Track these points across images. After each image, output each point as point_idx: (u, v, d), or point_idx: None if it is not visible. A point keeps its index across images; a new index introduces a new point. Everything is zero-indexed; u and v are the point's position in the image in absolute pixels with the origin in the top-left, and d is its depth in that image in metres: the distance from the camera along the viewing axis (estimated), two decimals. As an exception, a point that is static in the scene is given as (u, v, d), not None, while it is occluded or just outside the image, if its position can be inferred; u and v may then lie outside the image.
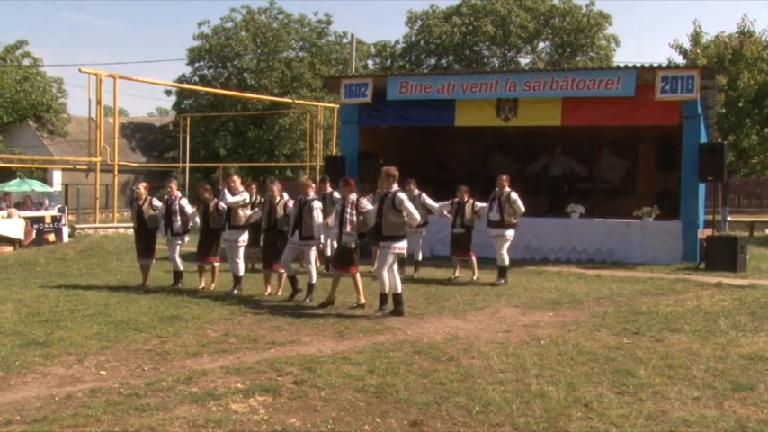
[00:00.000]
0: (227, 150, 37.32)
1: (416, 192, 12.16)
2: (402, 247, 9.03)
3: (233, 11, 40.90)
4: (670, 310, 8.99)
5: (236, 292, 10.29)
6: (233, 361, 6.42)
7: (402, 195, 8.85)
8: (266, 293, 10.21)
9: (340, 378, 5.83)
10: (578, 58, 39.87)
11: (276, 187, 10.18)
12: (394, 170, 9.04)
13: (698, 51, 24.25)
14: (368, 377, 5.86)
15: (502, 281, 11.46)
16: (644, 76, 13.89)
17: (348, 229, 8.97)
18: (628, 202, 16.91)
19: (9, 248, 17.20)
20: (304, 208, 9.59)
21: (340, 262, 9.27)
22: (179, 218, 10.86)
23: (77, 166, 27.55)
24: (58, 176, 31.93)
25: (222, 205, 10.51)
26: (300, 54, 41.44)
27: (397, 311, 8.67)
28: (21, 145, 34.31)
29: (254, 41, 39.98)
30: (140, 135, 41.69)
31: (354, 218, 8.98)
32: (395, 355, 6.59)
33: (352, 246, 9.06)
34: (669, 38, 70.34)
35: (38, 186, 23.44)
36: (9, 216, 18.00)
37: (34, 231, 18.33)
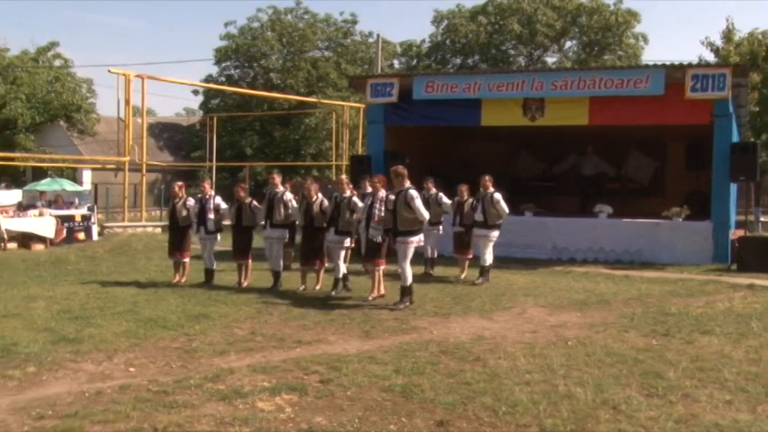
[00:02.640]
0: (253, 150, 37.53)
1: (433, 191, 12.23)
2: (420, 240, 9.44)
3: (259, 11, 41.14)
4: (700, 311, 8.86)
5: (279, 287, 10.57)
6: (260, 359, 6.45)
7: (413, 192, 9.21)
8: (300, 289, 10.47)
9: (366, 377, 5.83)
10: (606, 57, 39.44)
11: (313, 186, 10.56)
12: (402, 169, 9.48)
13: (730, 49, 23.88)
14: (394, 377, 5.86)
15: (480, 280, 11.36)
16: (674, 74, 13.70)
17: (375, 222, 9.31)
18: (657, 202, 16.70)
19: (41, 246, 17.46)
20: (341, 205, 10.03)
21: (369, 255, 9.64)
22: (213, 216, 10.96)
23: (106, 166, 27.96)
24: (87, 176, 32.36)
25: (256, 203, 10.98)
26: (326, 54, 41.54)
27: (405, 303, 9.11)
28: (52, 145, 34.84)
29: (281, 41, 40.16)
30: (168, 135, 42.09)
31: (382, 213, 9.27)
32: (421, 355, 6.57)
33: (379, 239, 9.39)
34: (700, 35, 69.36)
35: (68, 185, 23.77)
36: (41, 214, 18.27)
37: (65, 230, 18.58)
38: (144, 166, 23.12)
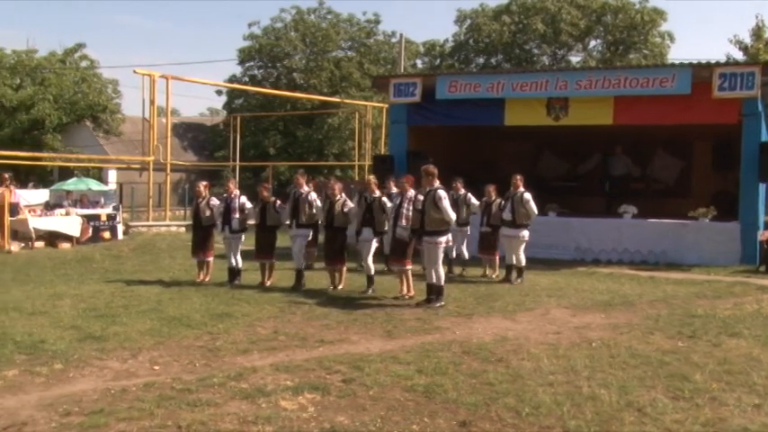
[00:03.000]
0: (276, 150, 37.67)
1: (462, 191, 12.24)
2: (448, 240, 9.40)
3: (283, 11, 41.25)
4: (728, 313, 8.74)
5: (302, 286, 10.65)
6: (282, 359, 6.47)
7: (442, 193, 9.16)
8: (330, 289, 10.54)
9: (388, 377, 5.82)
10: (631, 56, 39.00)
11: (337, 186, 10.69)
12: (433, 168, 9.40)
13: (760, 47, 23.50)
14: (416, 377, 5.85)
15: (519, 279, 11.37)
16: (701, 73, 13.54)
17: (403, 223, 9.39)
18: (682, 202, 16.49)
19: (67, 245, 17.67)
20: (373, 205, 10.20)
21: (396, 255, 9.82)
22: (238, 216, 11.02)
23: (131, 165, 28.17)
24: (113, 175, 32.67)
25: (280, 203, 11.17)
26: (349, 54, 41.58)
27: (429, 300, 9.21)
28: (78, 144, 35.24)
29: (304, 41, 40.28)
30: (192, 134, 42.38)
31: (410, 213, 9.35)
32: (443, 355, 6.56)
33: (407, 239, 9.47)
34: (728, 33, 68.32)
35: (94, 185, 23.99)
36: (67, 214, 18.50)
37: (90, 229, 18.79)
38: (168, 165, 23.29)
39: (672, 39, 40.21)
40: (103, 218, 19.32)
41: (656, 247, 14.17)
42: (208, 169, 34.62)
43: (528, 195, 11.44)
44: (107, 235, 19.17)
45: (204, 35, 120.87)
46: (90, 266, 14.11)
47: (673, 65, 15.02)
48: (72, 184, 23.26)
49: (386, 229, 10.39)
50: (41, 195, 21.27)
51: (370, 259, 10.32)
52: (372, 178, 10.85)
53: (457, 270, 12.45)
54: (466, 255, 12.54)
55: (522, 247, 11.50)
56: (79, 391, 5.50)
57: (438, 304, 9.09)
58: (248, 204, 11.25)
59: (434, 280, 9.21)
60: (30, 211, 18.11)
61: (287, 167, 35.56)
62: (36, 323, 7.91)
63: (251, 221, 11.39)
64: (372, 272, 10.32)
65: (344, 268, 10.72)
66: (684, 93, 13.51)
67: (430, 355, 6.58)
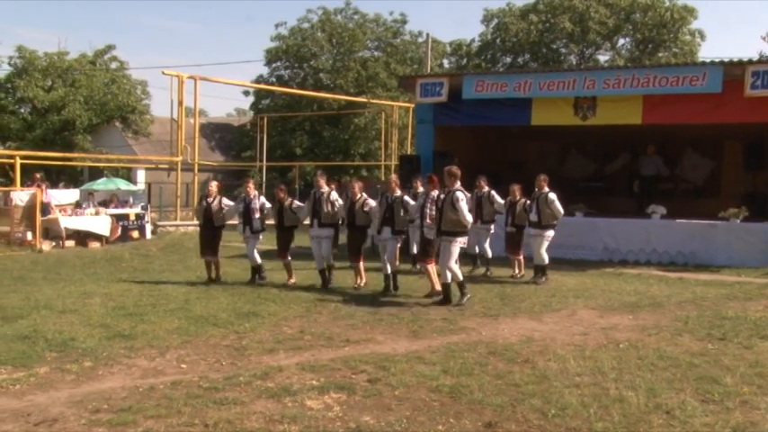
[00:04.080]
0: (302, 150, 37.81)
1: (485, 189, 12.24)
2: (463, 241, 9.47)
3: (309, 12, 41.42)
4: (759, 315, 8.59)
5: (329, 285, 10.80)
6: (308, 358, 6.49)
7: (459, 194, 9.28)
8: (355, 286, 10.73)
9: (414, 377, 5.82)
10: (660, 55, 38.51)
11: (357, 185, 10.86)
12: (455, 169, 9.56)
13: (792, 45, 23.07)
14: (442, 377, 5.84)
15: (543, 279, 11.33)
16: (732, 71, 13.32)
17: (428, 222, 9.52)
18: (712, 203, 16.25)
19: (97, 244, 17.93)
20: (394, 205, 10.28)
21: (423, 254, 9.96)
22: (258, 215, 11.10)
23: (159, 166, 28.48)
24: (141, 175, 33.04)
25: (297, 203, 11.29)
26: (376, 54, 41.60)
27: (446, 300, 9.30)
28: (107, 145, 35.73)
29: (330, 42, 40.38)
30: (219, 135, 42.71)
31: (433, 212, 9.47)
32: (469, 356, 6.54)
33: (431, 237, 9.59)
34: (761, 31, 67.15)
35: (123, 185, 24.31)
36: (97, 213, 18.76)
37: (120, 228, 19.04)
38: (196, 165, 23.52)
39: (702, 37, 39.66)
40: (132, 217, 19.56)
41: (685, 248, 13.98)
42: (235, 169, 34.86)
43: (552, 195, 11.37)
44: (136, 234, 19.41)
45: (232, 36, 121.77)
46: (119, 265, 14.29)
47: (703, 63, 14.81)
48: (101, 184, 23.62)
49: (406, 228, 10.56)
50: (72, 195, 21.61)
51: (392, 259, 10.41)
52: (393, 178, 10.87)
53: (480, 270, 12.42)
54: (489, 253, 12.49)
55: (545, 245, 11.43)
56: (108, 389, 5.57)
57: (463, 300, 9.22)
58: (267, 204, 11.35)
59: (448, 279, 9.30)
60: (60, 211, 18.40)
61: (313, 167, 35.68)
62: (66, 321, 8.03)
63: (269, 221, 11.47)
64: (389, 271, 10.35)
65: (362, 266, 10.79)
66: (715, 91, 13.30)
67: (456, 355, 6.56)
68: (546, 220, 11.37)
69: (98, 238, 18.20)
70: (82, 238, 17.98)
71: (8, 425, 4.84)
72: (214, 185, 11.55)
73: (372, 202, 10.58)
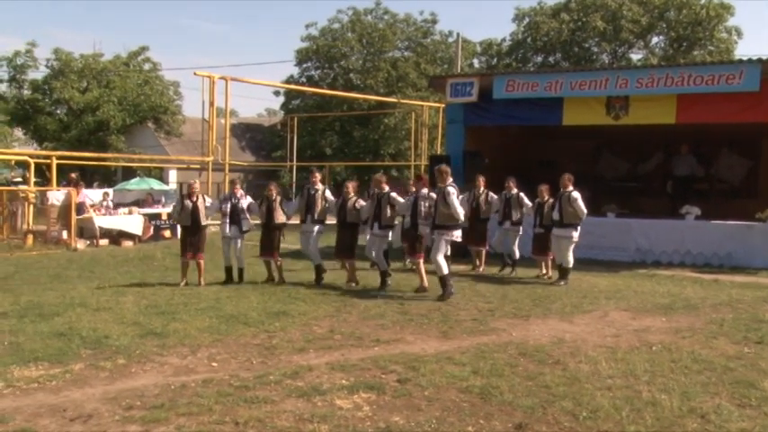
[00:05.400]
0: (332, 150, 37.96)
1: (514, 191, 12.24)
2: (456, 235, 9.94)
3: (339, 12, 41.62)
4: (797, 318, 8.42)
5: (321, 280, 11.07)
6: (338, 357, 6.51)
7: (451, 189, 9.77)
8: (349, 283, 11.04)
9: (444, 378, 5.80)
10: (695, 53, 37.87)
11: (352, 185, 11.23)
12: (445, 167, 10.10)
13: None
14: (472, 378, 5.81)
15: (562, 282, 11.20)
16: (770, 69, 13.07)
17: (423, 218, 10.08)
18: (749, 203, 15.91)
19: (129, 243, 18.18)
20: (382, 201, 10.62)
21: (412, 249, 10.52)
22: (245, 216, 11.06)
23: (191, 166, 28.77)
24: (173, 175, 33.42)
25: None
26: (406, 54, 41.61)
27: (446, 294, 9.66)
28: (140, 145, 36.24)
29: (361, 42, 40.47)
30: (250, 135, 43.06)
31: (426, 209, 10.03)
32: (499, 357, 6.50)
33: (422, 233, 10.14)
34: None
35: (155, 185, 24.62)
36: (130, 213, 19.03)
37: (152, 227, 19.28)
38: (227, 165, 23.67)
39: (739, 34, 38.88)
40: (164, 217, 19.79)
41: (721, 250, 13.75)
42: (265, 169, 35.10)
43: (576, 194, 11.25)
44: (167, 233, 19.65)
45: (263, 37, 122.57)
46: (151, 264, 14.46)
47: (740, 61, 14.55)
48: (135, 184, 23.94)
49: (395, 223, 11.10)
50: (98, 195, 21.91)
51: (375, 253, 10.73)
52: (380, 175, 11.16)
53: (506, 270, 12.39)
54: (517, 254, 12.46)
55: (571, 247, 11.32)
56: (141, 386, 5.64)
57: (446, 295, 9.61)
58: (253, 204, 11.24)
59: (437, 270, 9.72)
60: (95, 210, 18.70)
61: (343, 167, 35.78)
62: (101, 318, 8.15)
63: (256, 221, 11.43)
64: (384, 267, 10.68)
65: (353, 263, 11.06)
66: (753, 90, 13.04)
67: (486, 356, 6.53)
68: (568, 219, 11.23)
69: (131, 237, 18.45)
70: (115, 237, 18.25)
71: (45, 420, 4.92)
72: (197, 184, 11.39)
73: (363, 202, 10.99)
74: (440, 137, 28.74)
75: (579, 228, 11.36)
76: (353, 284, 10.89)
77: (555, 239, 11.49)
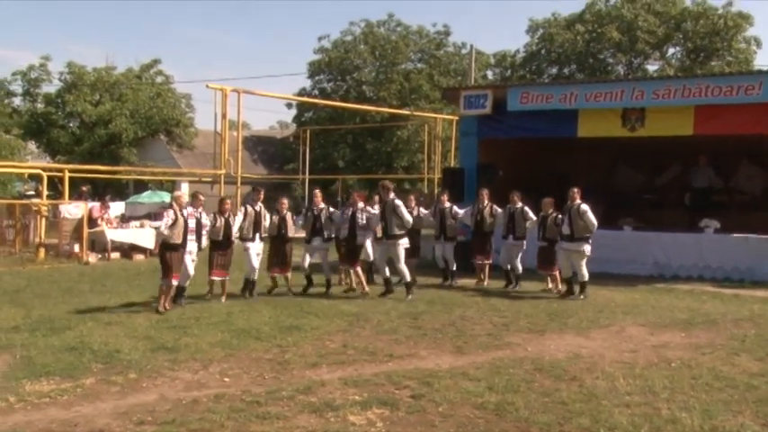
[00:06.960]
0: (345, 162, 37.95)
1: (519, 205, 12.16)
2: (406, 242, 11.08)
3: (352, 24, 41.66)
4: (820, 334, 8.24)
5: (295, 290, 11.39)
6: (351, 373, 6.42)
7: (397, 202, 10.95)
8: (345, 285, 11.90)
9: (458, 394, 5.70)
10: (713, 63, 37.48)
11: (359, 196, 11.95)
12: (388, 183, 11.30)
13: None
14: (487, 394, 5.71)
15: (582, 296, 11.08)
16: (790, 79, 12.87)
17: (362, 229, 11.21)
18: (770, 216, 15.69)
19: (141, 257, 18.16)
20: (320, 216, 11.44)
21: (349, 257, 11.37)
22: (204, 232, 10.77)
23: (203, 179, 28.79)
24: (185, 188, 33.41)
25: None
26: (419, 66, 41.62)
27: (388, 291, 11.02)
28: (152, 158, 36.38)
29: (373, 54, 40.53)
30: (262, 148, 43.14)
31: (363, 221, 11.21)
32: (515, 372, 6.39)
33: (360, 244, 11.29)
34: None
35: (167, 198, 24.63)
36: (142, 226, 19.02)
37: (164, 241, 19.23)
38: (239, 178, 23.69)
39: (759, 44, 38.32)
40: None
41: (742, 264, 13.51)
42: (277, 182, 35.14)
43: (585, 207, 11.10)
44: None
45: (275, 49, 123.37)
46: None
47: (759, 71, 14.41)
48: (146, 197, 23.98)
49: (333, 235, 11.61)
50: (117, 208, 21.96)
51: (397, 265, 11.11)
52: (318, 192, 11.95)
53: (510, 286, 12.27)
54: (519, 269, 12.32)
55: (584, 261, 11.16)
56: (152, 401, 5.58)
57: (409, 297, 10.74)
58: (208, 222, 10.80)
59: (402, 277, 10.96)
60: (107, 223, 18.71)
61: (356, 180, 35.75)
62: (112, 333, 8.11)
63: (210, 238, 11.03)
64: (406, 277, 11.08)
65: (359, 270, 11.46)
66: (773, 101, 12.87)
67: (501, 371, 6.42)
68: (579, 232, 11.08)
69: (142, 250, 18.44)
70: (127, 250, 18.25)
71: (53, 436, 4.87)
72: (228, 201, 11.23)
73: (372, 211, 11.37)
74: (453, 149, 28.66)
75: (590, 241, 11.22)
76: (361, 291, 11.24)
77: (565, 254, 11.32)
